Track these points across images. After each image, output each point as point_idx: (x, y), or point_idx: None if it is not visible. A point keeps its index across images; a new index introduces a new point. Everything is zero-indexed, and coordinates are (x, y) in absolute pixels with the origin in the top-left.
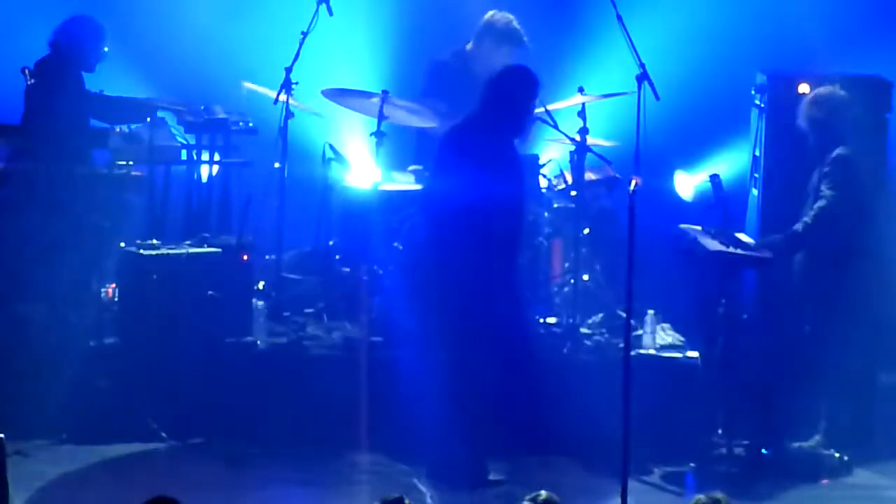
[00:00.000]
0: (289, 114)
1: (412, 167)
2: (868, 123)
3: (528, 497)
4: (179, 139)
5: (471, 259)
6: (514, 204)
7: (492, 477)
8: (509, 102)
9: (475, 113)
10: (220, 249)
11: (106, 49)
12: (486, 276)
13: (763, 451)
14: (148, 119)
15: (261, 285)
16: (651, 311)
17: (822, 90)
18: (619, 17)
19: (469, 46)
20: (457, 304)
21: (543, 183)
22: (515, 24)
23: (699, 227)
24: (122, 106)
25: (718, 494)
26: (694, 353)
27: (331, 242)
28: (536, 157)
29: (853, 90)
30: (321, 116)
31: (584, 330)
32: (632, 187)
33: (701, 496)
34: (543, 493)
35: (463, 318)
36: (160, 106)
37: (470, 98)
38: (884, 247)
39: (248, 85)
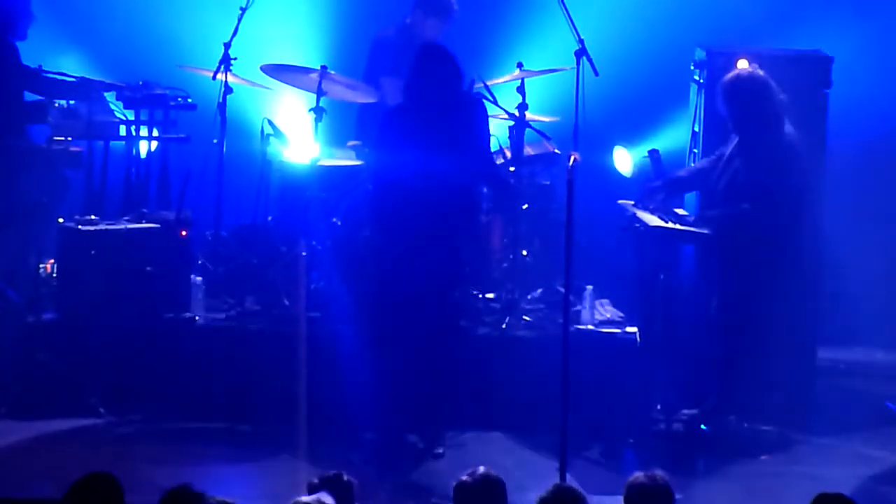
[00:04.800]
0: (227, 89)
1: (351, 143)
2: (807, 99)
3: (465, 473)
4: (118, 115)
5: (415, 235)
6: (458, 183)
7: (437, 451)
8: (430, 84)
9: (406, 96)
10: (158, 225)
11: (32, 11)
12: (430, 251)
13: (702, 426)
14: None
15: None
16: (590, 287)
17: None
18: None
19: (408, 20)
20: (398, 281)
21: None
22: None
23: (638, 203)
24: (61, 86)
25: (658, 472)
26: (633, 329)
27: (269, 218)
28: None
29: (793, 66)
30: (269, 89)
31: (523, 305)
32: (571, 163)
33: (640, 473)
34: (481, 468)
35: (405, 295)
36: (99, 87)
37: None
38: (821, 224)
39: (186, 68)
